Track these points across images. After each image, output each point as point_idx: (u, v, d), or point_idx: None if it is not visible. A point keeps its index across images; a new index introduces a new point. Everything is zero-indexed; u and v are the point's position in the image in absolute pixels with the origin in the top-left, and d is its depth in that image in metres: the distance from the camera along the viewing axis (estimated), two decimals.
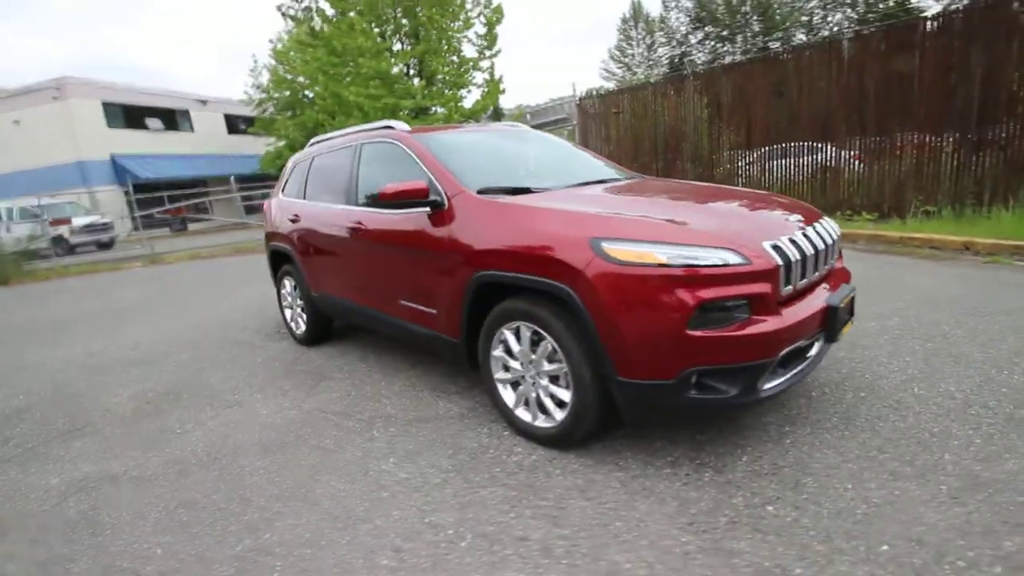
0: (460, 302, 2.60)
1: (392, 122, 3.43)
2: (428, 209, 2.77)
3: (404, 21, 13.93)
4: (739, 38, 45.74)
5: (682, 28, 47.18)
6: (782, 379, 2.06)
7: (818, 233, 2.30)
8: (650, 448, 2.32)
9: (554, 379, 2.33)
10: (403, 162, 3.10)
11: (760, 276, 1.94)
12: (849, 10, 39.43)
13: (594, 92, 12.07)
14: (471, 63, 15.41)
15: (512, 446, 2.47)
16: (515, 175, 3.09)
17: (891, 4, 37.54)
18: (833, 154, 8.52)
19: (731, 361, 1.93)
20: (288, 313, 4.60)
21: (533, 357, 2.37)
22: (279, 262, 4.57)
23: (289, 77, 18.95)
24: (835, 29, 40.22)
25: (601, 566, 1.67)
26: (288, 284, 4.46)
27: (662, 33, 48.30)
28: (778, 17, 43.34)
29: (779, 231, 2.14)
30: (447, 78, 14.78)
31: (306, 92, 17.93)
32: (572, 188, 2.86)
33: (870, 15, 38.91)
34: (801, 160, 8.85)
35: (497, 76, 15.97)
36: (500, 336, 2.48)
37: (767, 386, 2.01)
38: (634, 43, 50.62)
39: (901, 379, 2.74)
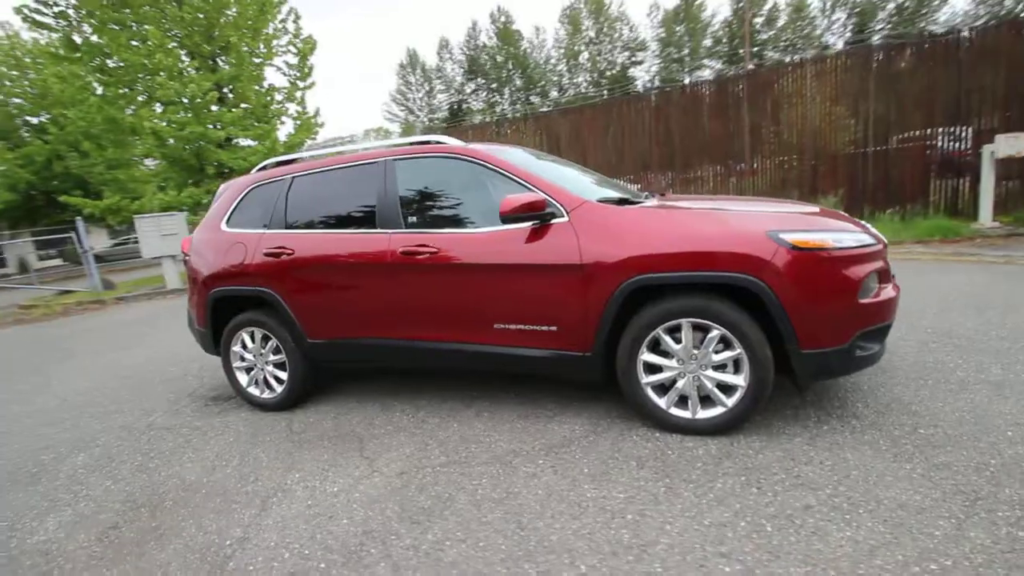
0: (600, 312, 2.56)
1: (440, 136, 3.15)
2: (538, 222, 2.67)
3: (205, 45, 12.01)
4: (506, 91, 51.78)
5: (458, 78, 51.16)
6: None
7: None
8: (793, 418, 2.66)
9: (717, 368, 2.49)
10: (481, 178, 2.90)
11: (881, 253, 2.49)
12: (588, 75, 48.20)
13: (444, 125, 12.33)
14: (284, 93, 14.12)
15: (679, 441, 2.52)
16: (580, 187, 3.15)
17: (616, 71, 47.40)
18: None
19: (877, 322, 2.41)
20: (245, 376, 3.62)
21: (696, 352, 2.49)
22: (228, 312, 3.59)
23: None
24: (580, 89, 48.86)
25: (880, 510, 1.92)
26: (249, 338, 3.53)
27: (440, 81, 51.54)
28: (535, 75, 50.51)
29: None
30: (253, 109, 13.24)
31: (32, 116, 13.88)
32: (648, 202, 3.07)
33: (602, 80, 48.49)
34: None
35: (312, 110, 15.00)
36: (652, 339, 2.54)
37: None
38: (413, 88, 52.77)
39: None
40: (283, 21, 13.83)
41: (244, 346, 3.58)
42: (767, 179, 9.55)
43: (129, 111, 11.62)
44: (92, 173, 14.37)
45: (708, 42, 46.63)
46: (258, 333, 3.50)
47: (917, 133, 8.15)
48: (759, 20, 44.30)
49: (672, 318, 2.48)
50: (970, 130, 7.77)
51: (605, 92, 44.34)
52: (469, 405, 3.27)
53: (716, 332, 2.42)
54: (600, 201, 2.72)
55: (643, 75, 48.11)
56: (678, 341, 2.52)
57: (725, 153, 9.84)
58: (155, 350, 5.88)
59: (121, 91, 11.60)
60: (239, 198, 3.61)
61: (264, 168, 3.73)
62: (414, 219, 3.05)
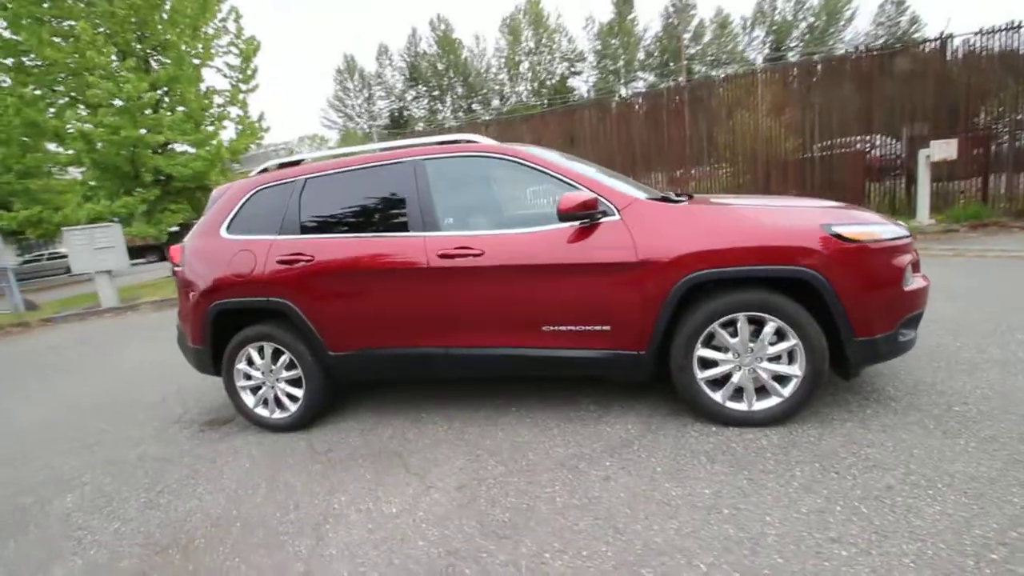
0: (657, 310, 2.56)
1: (471, 136, 3.04)
2: (587, 221, 2.64)
3: (137, 44, 11.06)
4: (448, 98, 51.62)
5: (398, 85, 50.41)
6: None
7: None
8: (835, 404, 2.77)
9: (772, 360, 2.55)
10: (520, 178, 2.83)
11: (912, 245, 2.65)
12: (529, 84, 48.97)
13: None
14: (226, 96, 13.29)
15: (739, 434, 2.54)
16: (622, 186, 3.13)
17: (556, 81, 48.47)
18: None
19: (916, 309, 2.56)
20: (252, 396, 3.32)
21: (752, 345, 2.54)
22: (230, 327, 3.28)
23: None
24: (521, 98, 49.55)
25: (956, 483, 2.03)
26: (257, 354, 3.24)
27: (380, 87, 50.57)
28: (476, 84, 50.71)
29: None
30: (191, 112, 12.36)
31: None
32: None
33: (542, 89, 49.45)
34: None
35: (256, 114, 14.26)
36: (707, 334, 2.56)
37: None
38: (351, 94, 51.47)
39: None
40: (223, 20, 13.06)
41: (251, 363, 3.28)
42: (724, 183, 10.04)
43: (50, 113, 10.50)
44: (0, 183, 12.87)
45: (641, 55, 48.76)
46: (268, 348, 3.22)
47: (857, 139, 8.85)
48: (687, 36, 46.93)
49: (730, 312, 2.51)
50: (903, 137, 8.54)
51: (546, 101, 45.26)
52: (505, 412, 3.17)
53: (772, 325, 2.48)
54: (648, 199, 2.73)
55: (582, 85, 49.52)
56: (732, 335, 2.56)
57: (684, 158, 10.26)
58: (112, 375, 5.30)
59: (37, 92, 10.46)
60: (241, 202, 3.32)
61: (265, 171, 3.46)
62: (451, 220, 2.92)
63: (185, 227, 13.28)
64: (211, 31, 12.48)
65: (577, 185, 2.72)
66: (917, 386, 2.85)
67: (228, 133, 13.96)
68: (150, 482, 2.88)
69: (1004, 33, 7.66)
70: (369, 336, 3.03)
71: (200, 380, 4.62)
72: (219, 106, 13.38)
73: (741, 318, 2.52)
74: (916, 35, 38.83)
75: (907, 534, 1.79)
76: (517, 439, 2.81)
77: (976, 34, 7.70)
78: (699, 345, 2.59)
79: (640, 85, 48.03)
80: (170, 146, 12.54)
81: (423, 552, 2.02)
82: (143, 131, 10.86)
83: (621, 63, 48.25)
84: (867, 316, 2.42)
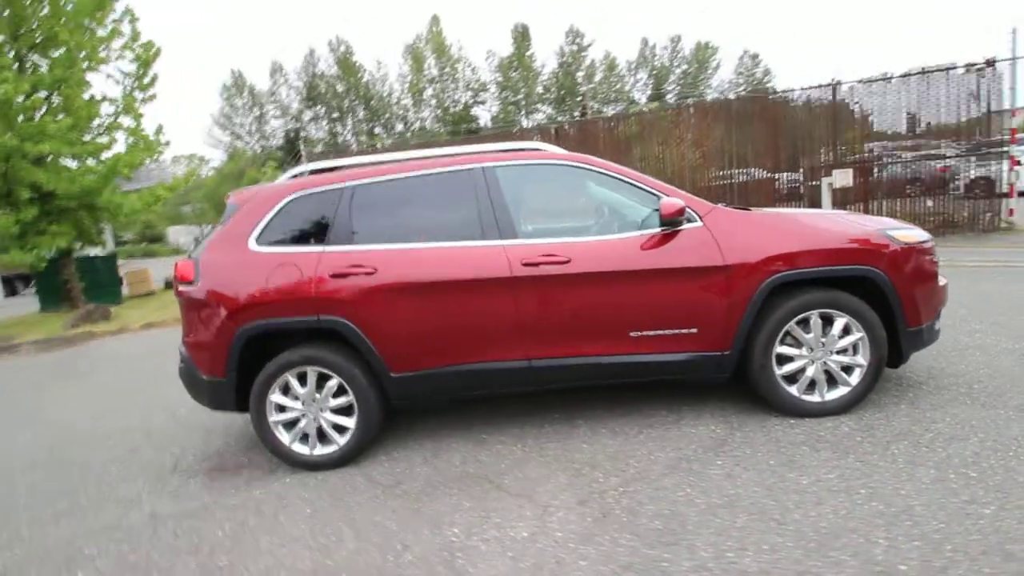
0: (743, 310, 2.70)
1: (537, 144, 3.00)
2: (668, 228, 2.73)
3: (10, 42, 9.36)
4: (349, 121, 50.14)
5: (294, 104, 47.96)
6: None
7: None
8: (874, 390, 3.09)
9: (839, 352, 2.80)
10: (593, 185, 2.86)
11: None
12: (433, 111, 49.25)
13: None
14: (119, 104, 11.72)
15: (818, 423, 2.73)
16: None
17: (460, 109, 49.28)
18: None
19: (944, 302, 2.97)
20: (288, 432, 2.90)
21: (824, 340, 2.77)
22: (259, 350, 2.87)
23: None
24: (425, 124, 49.57)
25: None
26: (297, 381, 2.85)
27: (274, 106, 47.72)
28: (378, 108, 49.88)
29: None
30: (76, 121, 10.74)
31: None
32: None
33: (447, 116, 49.93)
34: None
35: (153, 127, 12.77)
36: (785, 331, 2.75)
37: None
38: (240, 112, 47.98)
39: None
40: (117, 21, 11.62)
41: (288, 393, 2.89)
42: None
43: None
44: None
45: (540, 88, 51.38)
46: (312, 373, 2.86)
47: (768, 167, 10.09)
48: (580, 74, 50.47)
49: (806, 310, 2.72)
50: (804, 167, 9.89)
51: (450, 128, 45.73)
52: (573, 424, 3.10)
53: (841, 320, 2.73)
54: (723, 207, 2.89)
55: (485, 114, 50.79)
56: (806, 332, 2.77)
57: None
58: (43, 425, 4.35)
59: None
60: (274, 210, 2.95)
61: (296, 176, 3.13)
62: (529, 228, 2.86)
63: (65, 254, 11.34)
64: (104, 32, 11.01)
65: (657, 193, 2.81)
66: (931, 371, 3.28)
67: (118, 146, 12.32)
68: (189, 544, 2.39)
69: (869, 84, 9.28)
70: (441, 353, 2.82)
71: (170, 422, 3.98)
72: (109, 115, 11.78)
73: (814, 315, 2.74)
74: (768, 84, 45.52)
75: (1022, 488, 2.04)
76: (607, 450, 2.76)
77: (860, 82, 9.22)
78: (777, 343, 2.76)
79: (540, 117, 50.47)
80: (49, 157, 10.74)
81: (594, 571, 1.90)
82: (21, 140, 9.21)
83: (522, 95, 50.38)
84: (916, 308, 2.75)
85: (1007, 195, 8.53)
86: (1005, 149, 8.47)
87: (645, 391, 3.37)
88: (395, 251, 2.82)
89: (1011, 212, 8.45)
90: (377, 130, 50.54)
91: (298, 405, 2.89)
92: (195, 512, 2.66)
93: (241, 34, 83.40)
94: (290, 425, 2.93)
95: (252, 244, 2.91)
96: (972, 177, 9.26)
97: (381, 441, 3.18)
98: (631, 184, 2.86)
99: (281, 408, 2.90)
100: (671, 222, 2.65)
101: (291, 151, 43.50)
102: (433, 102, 49.45)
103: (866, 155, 9.69)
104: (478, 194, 2.86)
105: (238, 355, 2.84)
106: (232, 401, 2.94)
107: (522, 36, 48.87)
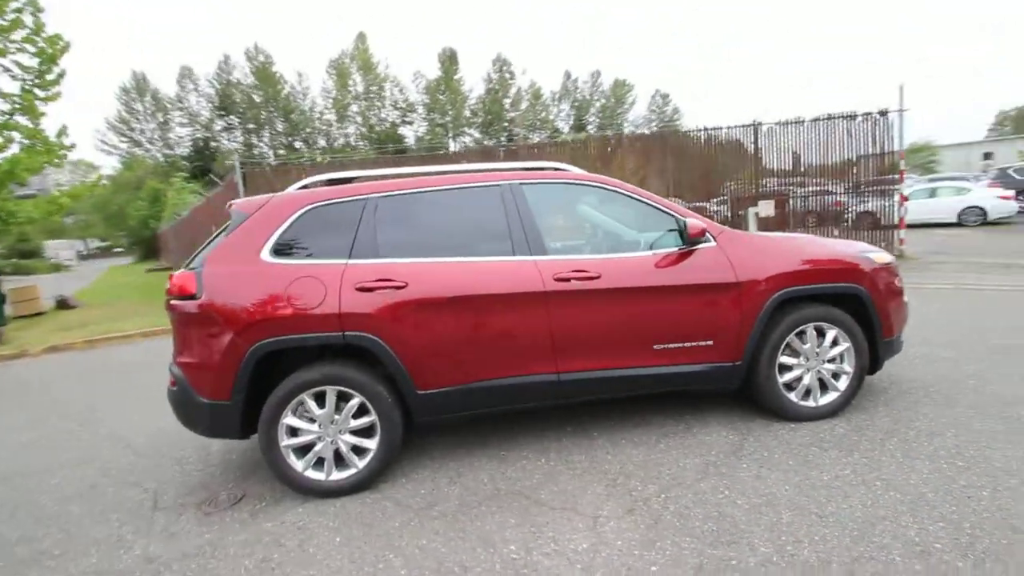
0: (752, 323, 2.93)
1: (561, 164, 3.09)
2: (686, 247, 2.93)
3: None
4: (266, 133, 47.64)
5: (204, 112, 44.77)
6: None
7: None
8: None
9: (829, 361, 3.11)
10: (615, 206, 3.02)
11: None
12: (358, 128, 48.18)
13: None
14: (14, 102, 10.36)
15: (815, 426, 3.00)
16: None
17: (387, 128, 48.64)
18: None
19: (907, 318, 3.40)
20: (302, 458, 2.69)
21: (818, 350, 3.07)
22: (274, 367, 2.66)
23: None
24: (350, 141, 48.31)
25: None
26: (314, 402, 2.67)
27: (181, 113, 44.21)
28: (299, 121, 47.92)
29: None
30: None
31: None
32: None
33: (372, 134, 49.00)
34: None
35: (55, 128, 11.40)
36: (786, 342, 3.02)
37: None
38: (141, 117, 43.99)
39: None
40: (18, 11, 10.37)
41: (303, 415, 2.69)
42: None
43: None
44: None
45: (468, 112, 52.10)
46: (331, 393, 2.69)
47: (700, 197, 10.95)
48: (508, 100, 51.92)
49: (804, 323, 3.01)
50: (729, 196, 10.85)
51: (376, 147, 44.90)
52: (590, 436, 3.16)
53: (832, 332, 3.05)
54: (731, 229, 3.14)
55: (411, 134, 50.48)
56: (803, 343, 3.06)
57: None
58: None
59: None
60: (289, 220, 2.78)
61: (307, 187, 2.98)
62: (557, 245, 2.92)
63: None
64: (4, 22, 9.76)
65: (675, 215, 3.00)
66: (891, 378, 3.71)
67: (12, 148, 10.93)
68: None
69: (784, 126, 10.47)
70: (470, 368, 2.77)
71: (127, 453, 3.56)
72: (3, 113, 10.42)
73: (809, 328, 3.03)
74: (678, 122, 49.56)
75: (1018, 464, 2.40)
76: (633, 459, 2.85)
77: (776, 124, 10.34)
78: (779, 353, 3.02)
79: (468, 140, 51.08)
80: None
81: (667, 575, 1.96)
82: None
83: (449, 118, 50.74)
84: (890, 321, 3.14)
85: (897, 227, 9.89)
86: (896, 187, 9.85)
87: (649, 403, 3.51)
88: (426, 264, 2.76)
89: (902, 242, 9.79)
90: (298, 144, 48.48)
91: (314, 427, 2.70)
92: (200, 551, 2.38)
93: (143, 35, 77.05)
94: (302, 450, 2.73)
95: (266, 255, 2.72)
96: (859, 212, 10.67)
97: (396, 463, 3.04)
98: (648, 205, 3.04)
99: (294, 431, 2.70)
100: (694, 241, 2.85)
101: (199, 160, 40.46)
102: (359, 119, 48.40)
103: (782, 189, 10.84)
104: (507, 210, 2.89)
105: (248, 375, 2.62)
106: (236, 426, 2.69)
107: (450, 60, 49.45)
